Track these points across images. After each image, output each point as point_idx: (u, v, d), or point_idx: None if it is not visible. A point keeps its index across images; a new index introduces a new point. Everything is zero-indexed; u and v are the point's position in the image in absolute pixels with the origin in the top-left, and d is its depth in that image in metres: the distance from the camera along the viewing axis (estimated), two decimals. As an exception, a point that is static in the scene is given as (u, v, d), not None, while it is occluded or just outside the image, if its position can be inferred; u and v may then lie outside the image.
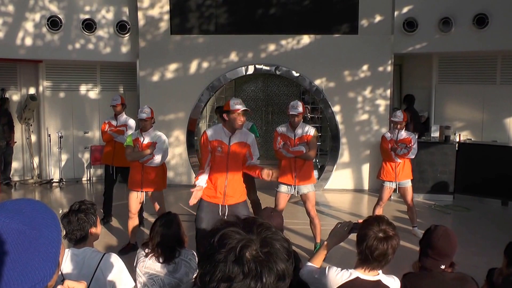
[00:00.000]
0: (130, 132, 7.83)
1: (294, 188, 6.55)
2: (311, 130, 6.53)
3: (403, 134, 7.46)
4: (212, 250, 1.29)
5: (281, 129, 6.64)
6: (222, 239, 1.29)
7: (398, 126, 7.38)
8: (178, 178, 11.15)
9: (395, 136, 7.42)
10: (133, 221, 6.81)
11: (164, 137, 6.75)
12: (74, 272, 3.27)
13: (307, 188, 6.56)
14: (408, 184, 7.47)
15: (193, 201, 5.27)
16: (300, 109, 6.43)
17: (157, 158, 6.57)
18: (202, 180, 5.35)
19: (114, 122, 8.24)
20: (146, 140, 6.62)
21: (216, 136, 5.33)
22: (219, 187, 5.32)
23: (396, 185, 7.45)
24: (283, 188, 6.60)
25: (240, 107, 5.17)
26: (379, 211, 7.39)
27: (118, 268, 3.31)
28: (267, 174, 5.07)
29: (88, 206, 3.46)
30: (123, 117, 8.27)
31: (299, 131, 6.50)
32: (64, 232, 3.37)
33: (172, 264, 3.76)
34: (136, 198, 6.71)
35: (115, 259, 3.34)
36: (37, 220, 1.24)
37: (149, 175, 6.63)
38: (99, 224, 3.55)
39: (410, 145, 7.33)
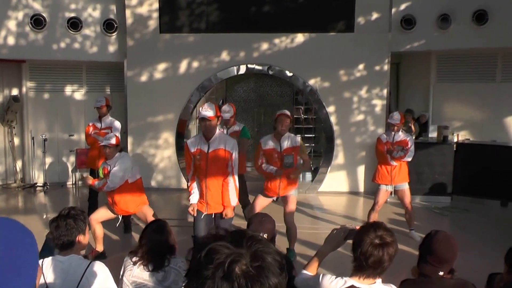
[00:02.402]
0: (117, 134, 7.47)
1: (277, 199, 6.50)
2: (297, 139, 6.39)
3: (400, 135, 7.20)
4: (199, 266, 1.22)
5: (265, 143, 6.42)
6: (210, 254, 1.22)
7: (395, 128, 7.12)
8: (167, 181, 10.80)
9: (391, 138, 7.15)
10: (93, 228, 6.24)
11: (124, 159, 6.20)
12: (58, 281, 3.17)
13: (289, 191, 6.40)
14: (405, 186, 7.25)
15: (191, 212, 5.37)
16: (289, 112, 6.42)
17: (110, 183, 6.03)
18: (195, 197, 5.34)
19: (98, 125, 7.90)
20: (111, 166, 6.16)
21: (195, 145, 5.22)
22: (201, 195, 5.29)
23: (393, 188, 7.21)
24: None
25: (204, 113, 4.96)
26: (374, 217, 7.17)
27: (104, 277, 3.18)
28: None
29: (78, 212, 3.39)
30: (108, 119, 7.93)
31: (284, 143, 6.30)
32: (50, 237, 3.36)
33: (161, 273, 3.60)
34: (106, 211, 6.31)
35: (101, 267, 3.22)
36: (14, 240, 1.19)
37: (119, 198, 6.14)
38: (87, 233, 3.44)
39: (407, 147, 7.04)
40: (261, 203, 6.44)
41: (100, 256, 6.37)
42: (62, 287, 3.18)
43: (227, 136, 5.47)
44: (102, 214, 6.31)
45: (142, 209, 6.31)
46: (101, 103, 7.84)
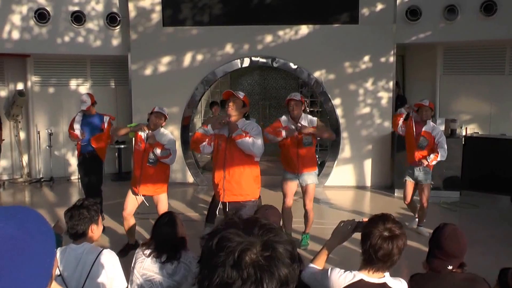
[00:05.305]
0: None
1: (299, 176, 6.43)
2: (314, 121, 6.40)
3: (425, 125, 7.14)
4: (211, 254, 1.24)
5: (284, 119, 6.42)
6: (221, 242, 1.24)
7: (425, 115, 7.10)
8: (173, 175, 10.64)
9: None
10: (128, 222, 6.37)
11: (171, 137, 6.31)
12: (70, 268, 3.31)
13: (310, 179, 6.40)
14: (427, 181, 7.20)
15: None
16: (299, 97, 6.36)
17: (169, 160, 6.13)
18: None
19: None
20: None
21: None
22: (220, 182, 5.24)
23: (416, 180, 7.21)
24: (288, 175, 6.47)
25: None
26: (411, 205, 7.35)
27: (113, 266, 3.33)
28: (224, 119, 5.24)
29: (91, 203, 3.55)
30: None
31: (302, 123, 6.29)
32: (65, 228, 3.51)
33: (171, 266, 3.66)
34: (132, 198, 6.30)
35: (112, 256, 3.38)
36: (32, 227, 1.17)
37: (148, 177, 6.15)
38: (100, 223, 3.57)
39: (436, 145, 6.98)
40: (291, 189, 6.45)
41: (134, 248, 6.37)
42: (74, 274, 3.31)
43: (250, 121, 5.42)
44: (131, 205, 6.31)
45: (161, 195, 6.33)
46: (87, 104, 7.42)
